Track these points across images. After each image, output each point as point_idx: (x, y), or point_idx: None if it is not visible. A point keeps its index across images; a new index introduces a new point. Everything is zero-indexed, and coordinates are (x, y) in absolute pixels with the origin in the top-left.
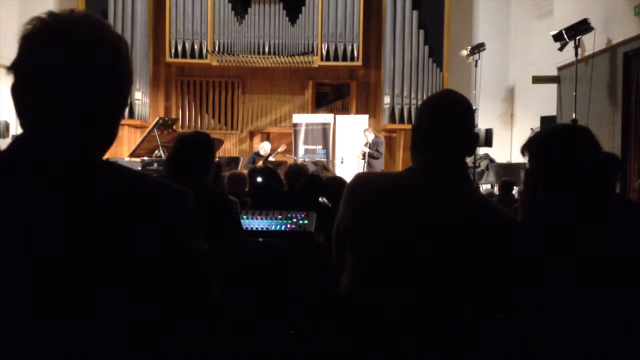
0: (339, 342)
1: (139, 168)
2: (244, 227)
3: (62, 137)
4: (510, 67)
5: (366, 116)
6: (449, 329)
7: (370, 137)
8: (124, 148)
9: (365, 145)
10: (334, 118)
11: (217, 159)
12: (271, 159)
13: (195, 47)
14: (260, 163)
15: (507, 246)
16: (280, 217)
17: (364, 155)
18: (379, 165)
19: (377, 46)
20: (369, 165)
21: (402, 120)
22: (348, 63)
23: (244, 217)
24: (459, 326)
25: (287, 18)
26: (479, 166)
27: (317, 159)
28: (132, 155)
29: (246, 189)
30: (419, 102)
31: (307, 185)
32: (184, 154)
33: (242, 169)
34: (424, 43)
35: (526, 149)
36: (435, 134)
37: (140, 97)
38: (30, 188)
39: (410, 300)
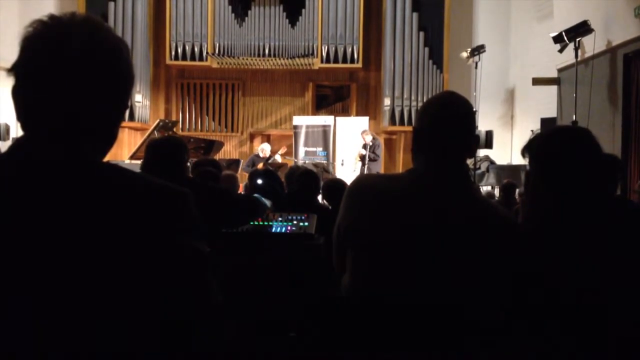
0: (339, 343)
1: (139, 170)
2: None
3: (63, 139)
4: (511, 69)
5: (366, 118)
6: (449, 329)
7: (368, 138)
8: (124, 150)
9: (363, 147)
10: (334, 120)
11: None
12: (277, 158)
13: (196, 49)
14: (260, 165)
15: (507, 247)
16: (280, 219)
17: (361, 158)
18: (376, 168)
19: (377, 48)
20: (367, 168)
21: (402, 122)
22: (348, 65)
23: None
24: (459, 326)
25: (287, 20)
26: (479, 168)
27: (318, 161)
28: (132, 157)
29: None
30: (419, 104)
31: (303, 178)
32: (158, 157)
33: (242, 171)
34: (424, 45)
35: (527, 150)
36: (436, 136)
37: (140, 99)
38: (31, 189)
39: (411, 301)
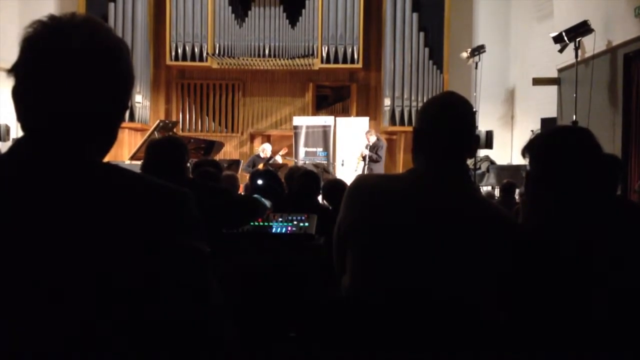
0: (339, 344)
1: (139, 171)
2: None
3: (63, 140)
4: (511, 69)
5: (366, 118)
6: (450, 329)
7: (372, 139)
8: (125, 151)
9: (366, 147)
10: (335, 120)
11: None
12: (278, 158)
13: (196, 50)
14: (261, 166)
15: (508, 247)
16: (280, 219)
17: (364, 158)
18: (379, 169)
19: (377, 48)
20: (369, 168)
21: (402, 123)
22: (348, 65)
23: None
24: (460, 326)
25: (287, 21)
26: (479, 168)
27: (318, 162)
28: (132, 158)
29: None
30: (419, 104)
31: (304, 178)
32: (158, 157)
33: (242, 172)
34: (424, 45)
35: (527, 150)
36: (436, 136)
37: (140, 100)
38: (31, 190)
39: (412, 301)
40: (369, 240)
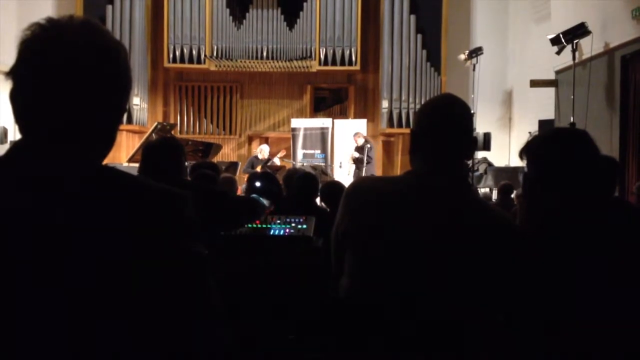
0: (338, 345)
1: (137, 173)
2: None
3: (62, 142)
4: (508, 71)
5: (364, 120)
6: (448, 331)
7: (360, 141)
8: (122, 153)
9: (356, 149)
10: (332, 122)
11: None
12: (276, 160)
13: (194, 52)
14: (259, 168)
15: (506, 249)
16: (279, 221)
17: (355, 161)
18: (370, 170)
19: (375, 50)
20: (358, 170)
21: (400, 125)
22: (346, 67)
23: None
24: (458, 327)
25: (285, 23)
26: (477, 170)
27: (316, 164)
28: (130, 160)
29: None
30: (417, 106)
31: (302, 180)
32: (154, 160)
33: (241, 173)
34: (422, 47)
35: (524, 152)
36: (434, 138)
37: (138, 102)
38: (30, 192)
39: (410, 303)
40: (367, 242)
